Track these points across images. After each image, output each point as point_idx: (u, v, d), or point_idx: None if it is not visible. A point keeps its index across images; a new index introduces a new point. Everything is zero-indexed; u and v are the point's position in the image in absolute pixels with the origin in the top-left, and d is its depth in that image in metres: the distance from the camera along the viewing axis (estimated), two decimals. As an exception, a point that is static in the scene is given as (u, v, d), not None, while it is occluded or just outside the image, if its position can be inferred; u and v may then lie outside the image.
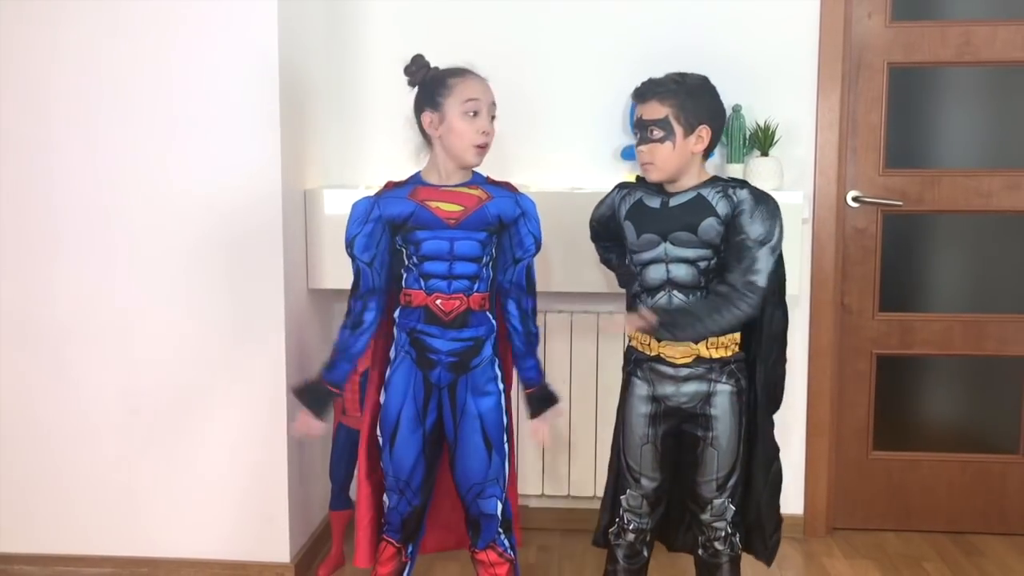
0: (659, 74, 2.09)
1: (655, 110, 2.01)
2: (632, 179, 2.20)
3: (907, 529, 2.99)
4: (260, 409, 2.54)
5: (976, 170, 2.90)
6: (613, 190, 2.19)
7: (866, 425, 2.99)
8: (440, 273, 2.06)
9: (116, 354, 2.56)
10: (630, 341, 2.16)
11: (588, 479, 2.89)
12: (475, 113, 2.02)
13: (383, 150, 2.85)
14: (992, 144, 2.95)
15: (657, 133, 2.00)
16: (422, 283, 2.06)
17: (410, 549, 2.19)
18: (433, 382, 2.10)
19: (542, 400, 2.17)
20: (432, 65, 2.09)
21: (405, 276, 2.10)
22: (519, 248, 2.12)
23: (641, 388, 2.11)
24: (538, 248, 2.14)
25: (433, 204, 2.05)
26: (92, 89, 2.48)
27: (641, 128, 2.03)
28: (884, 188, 2.90)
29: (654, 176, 2.05)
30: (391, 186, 2.11)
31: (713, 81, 2.08)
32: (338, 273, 2.67)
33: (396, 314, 2.12)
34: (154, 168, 2.49)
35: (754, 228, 1.97)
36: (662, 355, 2.07)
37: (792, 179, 2.80)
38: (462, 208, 2.05)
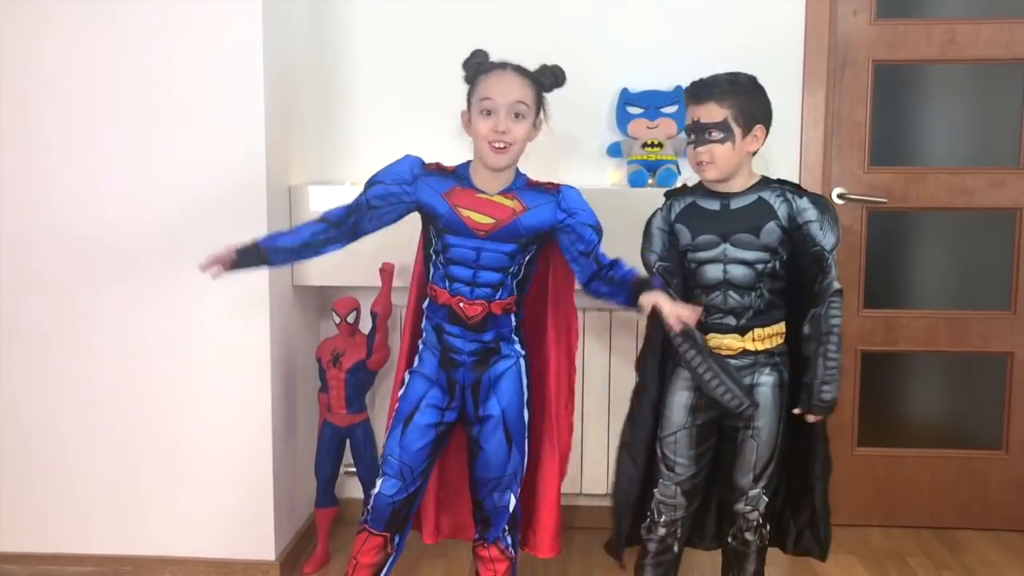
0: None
1: (714, 112, 2.01)
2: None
3: (891, 525, 3.01)
4: (245, 407, 2.53)
5: (960, 168, 2.91)
6: (658, 213, 2.15)
7: (850, 421, 3.00)
8: (464, 279, 2.05)
9: (100, 351, 2.54)
10: (670, 333, 2.14)
11: (575, 477, 2.88)
12: (489, 112, 1.98)
13: (369, 146, 2.85)
14: (976, 142, 2.97)
15: (717, 135, 2.00)
16: (447, 284, 2.06)
17: (396, 540, 2.16)
18: (457, 380, 2.10)
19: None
20: (486, 58, 2.04)
21: (432, 271, 2.09)
22: (580, 243, 2.08)
23: (684, 376, 2.12)
24: (600, 234, 2.09)
25: (465, 213, 2.02)
26: (76, 86, 2.46)
27: (698, 130, 2.02)
28: (868, 185, 2.91)
29: (712, 175, 2.04)
30: (435, 168, 2.08)
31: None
32: (323, 270, 2.66)
33: (425, 305, 2.13)
34: (138, 164, 2.47)
35: (828, 239, 2.04)
36: (709, 348, 2.08)
37: (777, 176, 2.79)
38: (494, 221, 2.02)
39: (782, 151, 2.81)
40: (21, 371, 2.57)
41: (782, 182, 2.11)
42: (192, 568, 2.60)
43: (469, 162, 2.10)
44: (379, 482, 2.10)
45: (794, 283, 2.14)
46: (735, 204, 2.07)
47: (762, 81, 2.78)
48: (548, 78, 2.05)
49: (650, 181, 2.70)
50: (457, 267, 2.04)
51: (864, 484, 3.01)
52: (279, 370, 2.57)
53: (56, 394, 2.57)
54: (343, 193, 2.60)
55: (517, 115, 2.00)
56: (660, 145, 2.71)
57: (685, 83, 2.13)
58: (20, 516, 2.62)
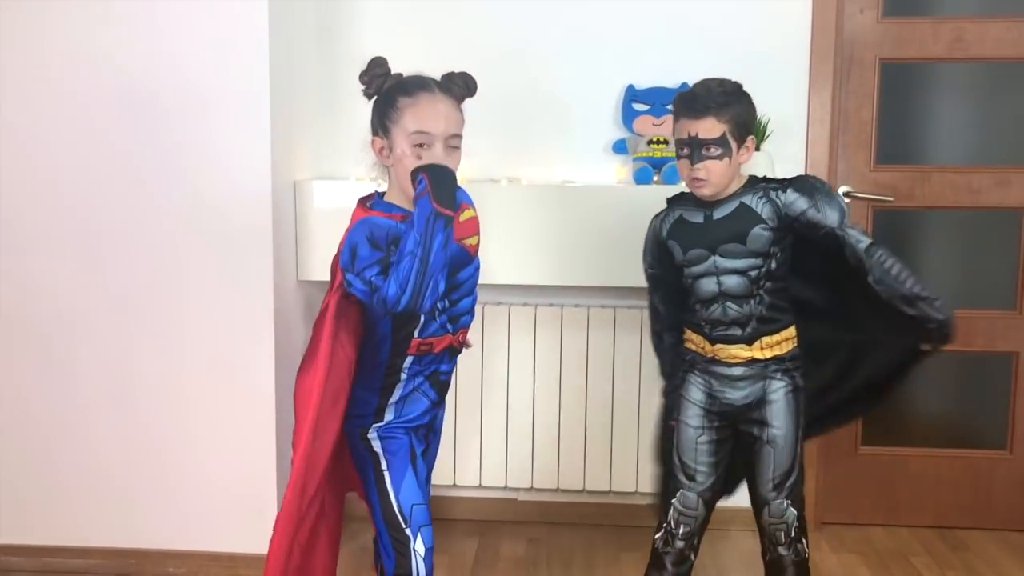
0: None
1: (713, 127, 1.93)
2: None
3: (894, 524, 3.00)
4: (249, 401, 2.53)
5: (966, 167, 2.90)
6: (652, 225, 2.13)
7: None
8: (468, 308, 1.89)
9: (105, 346, 2.55)
10: (684, 343, 2.13)
11: (577, 473, 2.89)
12: (422, 145, 1.72)
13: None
14: (982, 141, 2.96)
15: (715, 151, 1.93)
16: (449, 327, 1.86)
17: None
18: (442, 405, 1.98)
19: None
20: (393, 72, 1.79)
21: (421, 325, 1.82)
22: None
23: (697, 382, 2.10)
24: None
25: (467, 242, 1.85)
26: (82, 82, 2.47)
27: (694, 146, 1.94)
28: (875, 184, 2.90)
29: (706, 192, 1.99)
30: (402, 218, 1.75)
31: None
32: (327, 265, 2.66)
33: (406, 364, 1.85)
34: (144, 159, 2.48)
35: (831, 216, 1.97)
36: (716, 357, 2.06)
37: (783, 174, 2.76)
38: (477, 238, 1.89)
39: (788, 149, 2.80)
40: (26, 366, 2.58)
41: (765, 180, 2.05)
42: (195, 562, 2.61)
43: (381, 196, 1.83)
44: (419, 545, 1.83)
45: (809, 283, 2.11)
46: (717, 214, 2.01)
47: (768, 79, 2.79)
48: (461, 88, 1.82)
49: (655, 178, 2.70)
50: (466, 299, 1.88)
51: (868, 483, 3.01)
52: (283, 364, 2.57)
53: (61, 388, 2.58)
54: (348, 188, 2.61)
55: (452, 148, 1.76)
56: (666, 142, 2.71)
57: (691, 80, 2.08)
58: (25, 509, 2.63)
